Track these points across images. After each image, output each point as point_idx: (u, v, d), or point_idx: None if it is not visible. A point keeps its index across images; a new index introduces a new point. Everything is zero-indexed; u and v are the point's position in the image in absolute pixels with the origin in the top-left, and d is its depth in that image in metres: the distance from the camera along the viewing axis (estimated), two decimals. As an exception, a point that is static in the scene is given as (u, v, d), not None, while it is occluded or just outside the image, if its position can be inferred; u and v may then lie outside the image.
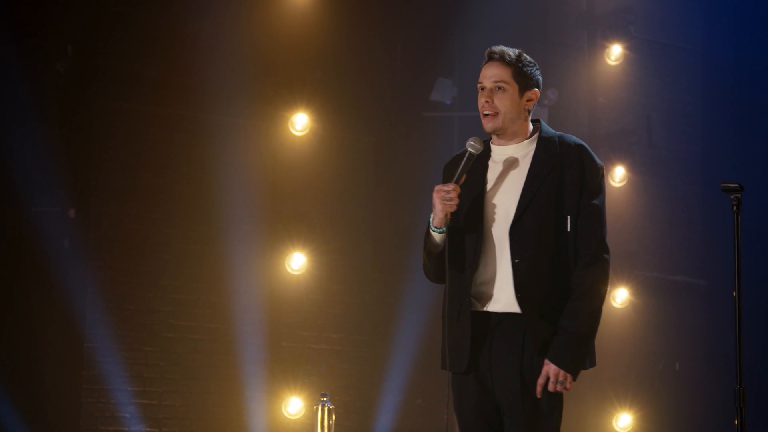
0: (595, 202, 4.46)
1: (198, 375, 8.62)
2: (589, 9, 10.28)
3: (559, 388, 4.36)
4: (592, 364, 4.55)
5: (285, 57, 8.93)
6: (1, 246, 7.95)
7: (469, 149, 4.42)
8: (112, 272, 8.42)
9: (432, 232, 4.45)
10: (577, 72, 10.22)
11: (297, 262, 8.89)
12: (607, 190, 9.91)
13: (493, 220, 4.45)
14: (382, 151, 9.41)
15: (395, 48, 9.46)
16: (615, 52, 10.19)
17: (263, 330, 8.78)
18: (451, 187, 4.36)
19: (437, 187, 4.39)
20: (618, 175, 10.04)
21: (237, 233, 8.71)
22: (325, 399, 7.24)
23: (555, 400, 4.43)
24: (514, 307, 4.38)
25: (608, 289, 4.53)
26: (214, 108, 8.70)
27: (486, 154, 4.55)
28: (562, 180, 4.44)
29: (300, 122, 8.94)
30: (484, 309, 4.43)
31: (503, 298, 4.40)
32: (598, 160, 4.52)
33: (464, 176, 4.43)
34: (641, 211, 10.23)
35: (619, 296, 9.91)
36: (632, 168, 10.12)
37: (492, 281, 4.43)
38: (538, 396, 4.36)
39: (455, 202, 4.36)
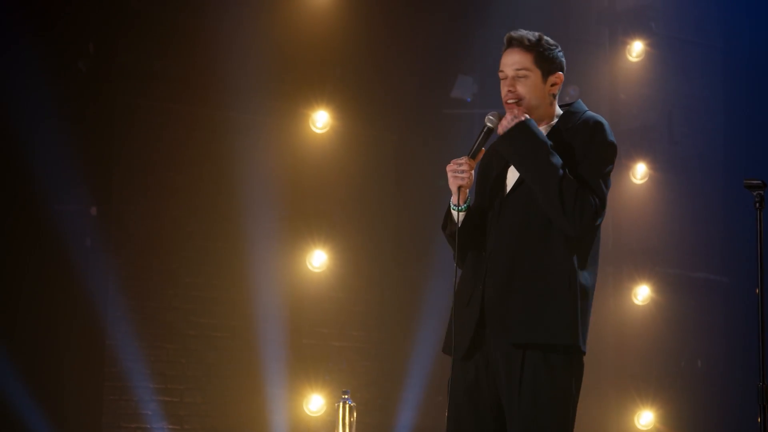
0: (595, 173, 4.30)
1: (219, 372, 8.63)
2: (611, 6, 10.25)
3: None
4: (582, 341, 4.33)
5: (305, 54, 8.93)
6: (24, 244, 7.97)
7: (488, 123, 4.36)
8: (134, 270, 8.44)
9: (452, 210, 4.40)
10: (598, 69, 10.20)
11: (318, 259, 8.90)
12: (628, 187, 10.03)
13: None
14: (402, 148, 9.41)
15: (416, 45, 9.45)
16: (636, 49, 10.16)
17: (284, 327, 8.79)
18: (463, 160, 4.31)
19: (452, 161, 4.34)
20: (639, 172, 10.02)
21: (258, 231, 8.71)
22: (346, 396, 7.24)
23: (559, 385, 4.27)
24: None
25: (585, 213, 4.23)
26: (235, 105, 8.71)
27: None
28: (563, 151, 4.31)
29: (321, 120, 8.94)
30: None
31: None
32: (612, 138, 4.40)
33: (482, 151, 4.37)
34: (662, 208, 10.20)
35: (641, 293, 9.89)
36: (653, 165, 10.10)
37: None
38: None
39: (467, 175, 4.30)
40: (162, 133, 8.64)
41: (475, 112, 9.57)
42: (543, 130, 4.41)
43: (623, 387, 9.79)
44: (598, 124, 4.40)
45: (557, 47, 4.46)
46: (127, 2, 8.47)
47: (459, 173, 4.30)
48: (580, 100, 4.55)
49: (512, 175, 4.40)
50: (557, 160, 4.24)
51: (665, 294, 10.01)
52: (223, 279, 8.67)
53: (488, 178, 4.49)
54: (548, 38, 4.46)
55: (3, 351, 7.66)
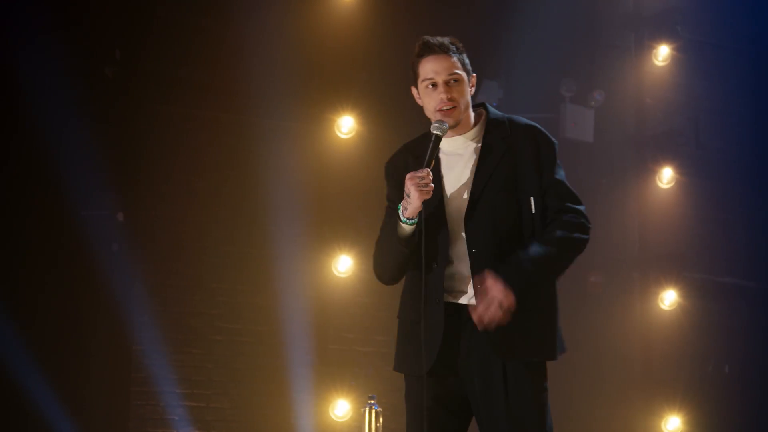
0: (558, 177, 4.34)
1: (245, 377, 8.64)
2: (636, 10, 10.23)
3: (492, 312, 4.16)
4: (561, 350, 4.37)
5: (331, 59, 8.94)
6: (51, 249, 8.01)
7: (436, 132, 4.29)
8: (160, 275, 8.46)
9: (402, 225, 4.31)
10: (624, 73, 10.17)
11: (343, 264, 8.90)
12: (655, 192, 10.00)
13: (453, 214, 4.33)
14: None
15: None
16: (662, 53, 10.13)
17: (310, 333, 8.79)
18: (425, 172, 4.21)
19: (410, 175, 4.23)
20: (666, 177, 9.99)
21: (283, 236, 8.72)
22: (372, 401, 7.23)
23: (538, 387, 4.29)
24: (473, 299, 4.26)
25: (575, 249, 4.30)
26: (260, 111, 8.72)
27: (432, 145, 4.38)
28: (517, 162, 4.31)
29: (346, 125, 8.95)
30: (456, 302, 4.30)
31: (471, 293, 4.28)
32: (553, 138, 4.42)
33: (433, 161, 4.30)
34: (689, 213, 10.17)
35: (668, 298, 9.86)
36: (680, 169, 10.06)
37: (457, 275, 4.31)
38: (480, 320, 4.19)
39: (431, 188, 4.22)
40: (187, 138, 8.66)
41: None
42: (469, 136, 4.41)
43: (650, 392, 9.75)
44: (537, 129, 4.42)
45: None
46: (153, 9, 8.50)
47: (424, 187, 4.21)
48: (487, 104, 4.52)
49: (454, 190, 4.36)
50: (538, 255, 4.21)
51: (692, 299, 9.97)
52: (249, 284, 8.68)
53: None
54: (458, 41, 4.45)
55: (31, 356, 7.69)
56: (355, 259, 8.91)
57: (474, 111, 4.48)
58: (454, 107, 4.34)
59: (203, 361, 8.56)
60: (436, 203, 4.32)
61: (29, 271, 7.91)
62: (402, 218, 4.31)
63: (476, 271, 4.25)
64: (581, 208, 4.35)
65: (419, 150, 4.44)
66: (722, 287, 10.34)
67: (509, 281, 4.16)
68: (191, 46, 8.60)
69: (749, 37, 10.75)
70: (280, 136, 8.86)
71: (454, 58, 4.37)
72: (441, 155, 4.41)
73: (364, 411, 7.22)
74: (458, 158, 4.40)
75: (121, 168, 8.32)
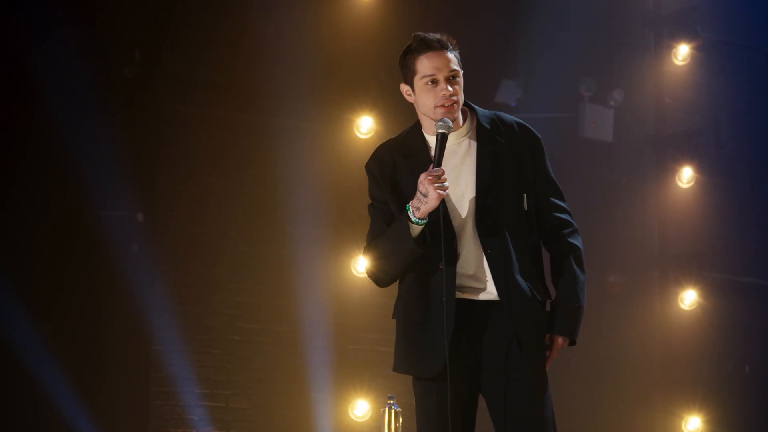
0: (549, 174, 4.44)
1: (265, 377, 8.65)
2: (656, 9, 10.20)
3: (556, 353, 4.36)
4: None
5: (349, 60, 8.94)
6: (71, 249, 8.04)
7: (441, 130, 4.26)
8: (180, 275, 8.48)
9: (413, 225, 4.26)
10: (643, 72, 10.15)
11: (362, 264, 8.90)
12: (675, 191, 9.98)
13: (458, 212, 4.33)
14: (446, 153, 9.38)
15: (459, 50, 9.43)
16: (682, 52, 10.10)
17: (329, 333, 8.79)
18: (441, 171, 4.18)
19: (425, 174, 4.18)
20: (686, 176, 9.96)
21: (303, 236, 8.73)
22: (392, 401, 7.23)
23: (545, 384, 4.35)
24: (494, 296, 4.30)
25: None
26: (279, 111, 8.73)
27: (423, 147, 4.42)
28: (510, 159, 4.35)
29: (365, 125, 8.95)
30: (469, 299, 4.32)
31: (482, 289, 4.31)
32: (538, 133, 4.47)
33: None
34: (709, 212, 10.14)
35: (688, 298, 9.83)
36: (700, 169, 10.04)
37: (467, 274, 4.32)
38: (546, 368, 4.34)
39: (447, 187, 4.20)
40: (206, 139, 8.67)
41: (519, 116, 9.54)
42: (459, 134, 4.41)
43: (670, 392, 9.73)
44: (525, 127, 4.48)
45: None
46: (173, 9, 8.52)
47: (441, 185, 4.18)
48: (471, 103, 4.52)
49: (453, 189, 4.34)
50: (574, 289, 4.36)
51: (712, 299, 9.94)
52: (268, 284, 8.69)
53: (408, 194, 4.36)
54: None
55: (51, 357, 7.72)
56: (374, 259, 8.90)
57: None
58: (455, 103, 4.35)
59: (222, 362, 8.57)
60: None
61: (49, 271, 7.94)
62: (413, 218, 4.27)
63: (494, 269, 4.28)
64: (567, 206, 4.47)
65: (408, 149, 4.46)
66: (742, 287, 10.31)
67: (569, 331, 4.35)
68: (210, 47, 8.61)
69: (767, 35, 10.72)
70: (299, 137, 8.87)
71: (451, 55, 4.40)
72: (432, 153, 4.36)
73: (384, 411, 7.22)
74: (452, 156, 4.37)
75: (140, 168, 8.34)
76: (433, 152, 4.33)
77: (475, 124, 4.44)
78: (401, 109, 9.04)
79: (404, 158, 4.46)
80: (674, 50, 10.12)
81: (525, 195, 4.34)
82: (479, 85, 9.55)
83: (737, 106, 10.58)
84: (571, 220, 4.44)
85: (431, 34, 4.40)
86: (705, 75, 10.35)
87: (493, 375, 4.33)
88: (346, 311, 8.90)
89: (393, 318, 4.59)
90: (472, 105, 4.52)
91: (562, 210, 4.43)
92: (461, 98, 4.40)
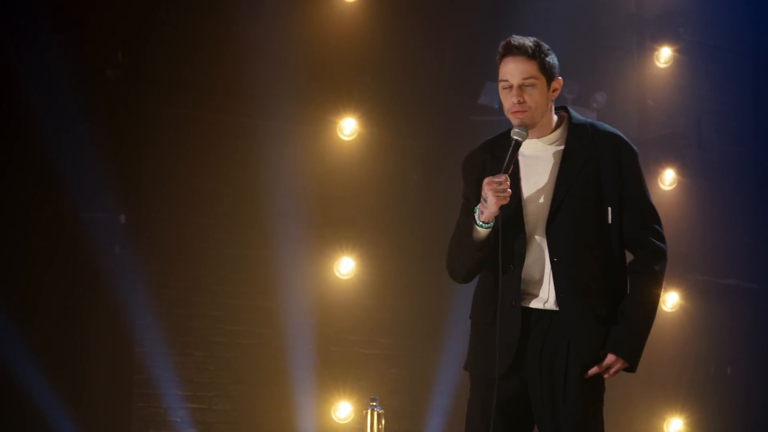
0: (639, 190, 4.38)
1: (247, 379, 8.64)
2: (638, 11, 10.23)
3: (613, 373, 4.30)
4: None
5: (333, 62, 8.94)
6: (53, 251, 8.01)
7: (516, 137, 4.30)
8: (162, 277, 8.47)
9: (478, 228, 4.32)
10: (626, 75, 10.17)
11: (346, 266, 8.90)
12: (657, 194, 9.99)
13: (531, 218, 4.35)
14: (430, 155, 9.40)
15: (443, 52, 9.45)
16: (664, 55, 10.13)
17: (312, 335, 8.79)
18: (503, 178, 4.22)
19: (488, 179, 4.23)
20: (668, 179, 9.98)
21: (286, 238, 8.72)
22: (374, 404, 7.24)
23: (595, 398, 4.32)
24: (554, 306, 4.30)
25: (663, 280, 4.43)
26: (263, 113, 8.72)
27: (511, 147, 4.39)
28: (599, 170, 4.33)
29: (348, 127, 8.95)
30: (530, 306, 4.33)
31: (544, 298, 4.31)
32: (634, 146, 4.43)
33: (511, 167, 4.31)
34: (691, 215, 10.16)
35: (670, 300, 9.85)
36: (682, 171, 10.06)
37: (531, 280, 4.33)
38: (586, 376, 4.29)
39: (508, 193, 4.23)
40: (190, 141, 8.66)
41: (503, 119, 9.54)
42: (549, 139, 4.42)
43: (652, 394, 9.74)
44: (619, 138, 4.43)
45: (552, 52, 4.43)
46: (156, 11, 8.51)
47: (501, 192, 4.22)
48: (569, 108, 4.52)
49: (533, 195, 4.37)
50: (635, 310, 4.32)
51: (694, 301, 9.97)
52: (251, 286, 8.68)
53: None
54: (543, 43, 4.42)
55: (33, 359, 7.70)
56: (357, 261, 8.91)
57: (556, 114, 4.48)
58: (526, 110, 4.33)
59: (205, 363, 8.56)
60: (514, 206, 4.34)
61: (31, 273, 7.92)
62: (478, 222, 4.32)
63: (557, 279, 4.29)
64: (658, 226, 4.41)
65: (498, 150, 4.45)
66: (725, 289, 10.34)
67: (621, 350, 4.29)
68: (194, 49, 8.60)
69: (750, 38, 10.75)
70: (283, 139, 8.87)
71: (532, 61, 4.34)
72: (520, 157, 4.40)
73: (366, 413, 7.23)
74: (538, 161, 4.41)
75: (124, 170, 8.32)
76: (521, 155, 4.39)
77: (566, 131, 4.43)
78: (384, 110, 9.12)
79: (493, 159, 4.48)
80: (657, 53, 10.14)
81: (609, 209, 4.32)
82: (462, 88, 9.58)
83: (720, 108, 10.61)
84: (653, 240, 4.37)
85: (518, 38, 4.38)
86: (687, 77, 10.38)
87: (540, 387, 4.32)
88: (329, 313, 8.90)
89: (469, 318, 4.56)
90: (570, 111, 4.50)
91: (645, 229, 4.37)
92: (536, 106, 4.35)
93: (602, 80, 9.74)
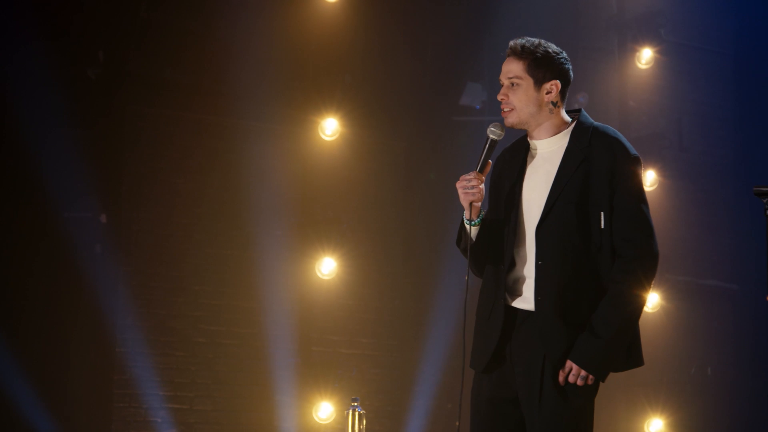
0: (632, 197, 4.33)
1: (229, 380, 8.64)
2: (620, 12, 10.24)
3: (579, 382, 4.23)
4: (637, 363, 4.41)
5: (315, 62, 8.94)
6: (34, 251, 7.99)
7: (491, 136, 4.37)
8: (144, 277, 8.45)
9: (465, 224, 4.40)
10: (608, 76, 10.19)
11: (327, 266, 8.90)
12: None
13: (526, 217, 4.38)
14: (412, 155, 9.41)
15: (425, 52, 9.46)
16: (645, 56, 10.15)
17: (294, 335, 8.79)
18: (472, 175, 4.31)
19: (460, 177, 4.34)
20: (649, 179, 10.01)
21: (267, 238, 8.72)
22: (355, 404, 7.24)
23: (579, 401, 4.29)
24: (533, 307, 4.31)
25: (648, 291, 4.32)
26: (244, 113, 8.72)
27: (525, 148, 4.48)
28: (591, 174, 4.32)
29: (330, 127, 8.95)
30: (514, 305, 4.36)
31: (528, 298, 4.33)
32: (633, 151, 4.39)
33: (489, 163, 4.39)
34: (672, 215, 10.18)
35: (651, 301, 9.87)
36: (663, 172, 10.08)
37: (521, 279, 4.37)
38: (561, 383, 4.25)
39: (478, 191, 4.31)
40: (171, 140, 8.65)
41: (484, 119, 9.57)
42: (552, 141, 4.44)
43: (633, 394, 9.77)
44: (616, 141, 4.40)
45: (559, 55, 4.42)
46: (137, 10, 8.49)
47: (470, 189, 4.31)
48: (583, 111, 4.53)
49: (531, 194, 4.40)
50: (603, 319, 4.24)
51: (675, 301, 9.99)
52: (233, 286, 8.68)
53: (501, 193, 4.49)
54: (550, 45, 4.43)
55: (13, 358, 7.68)
56: (338, 261, 8.91)
57: (570, 116, 4.49)
58: (511, 110, 4.40)
59: (186, 364, 8.55)
60: (514, 206, 4.40)
61: (11, 273, 7.90)
62: (464, 218, 4.40)
63: (539, 281, 4.29)
64: (647, 234, 4.33)
65: (516, 151, 4.53)
66: (705, 289, 10.37)
67: (582, 360, 4.23)
68: (175, 48, 8.58)
69: (731, 39, 10.77)
70: (265, 139, 8.86)
71: (520, 61, 4.39)
72: (528, 156, 4.46)
73: (348, 413, 7.22)
74: (542, 162, 4.43)
75: (105, 170, 8.30)
76: (530, 156, 4.46)
77: (569, 133, 4.44)
78: (366, 110, 9.12)
79: (511, 158, 4.53)
80: (638, 54, 10.16)
81: (602, 213, 4.30)
82: (444, 88, 9.59)
83: (701, 109, 10.63)
84: (638, 248, 4.29)
85: (518, 39, 4.44)
86: (669, 78, 10.40)
87: (522, 385, 4.34)
88: (311, 313, 8.90)
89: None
90: (582, 113, 4.51)
91: (630, 236, 4.30)
92: (520, 106, 4.40)
93: (583, 81, 9.75)
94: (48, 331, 7.99)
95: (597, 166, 4.33)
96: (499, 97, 4.42)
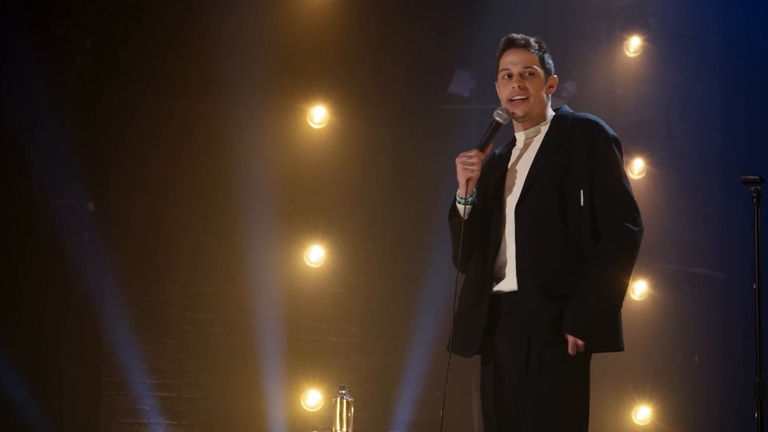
0: (611, 174, 4.40)
1: (217, 367, 8.64)
2: (608, 1, 10.24)
3: (571, 351, 4.26)
4: (617, 347, 4.38)
5: (303, 50, 8.93)
6: (22, 239, 7.98)
7: (497, 118, 4.44)
8: (131, 265, 8.44)
9: (457, 204, 4.45)
10: (596, 64, 10.19)
11: (315, 254, 8.90)
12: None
13: (507, 201, 4.45)
14: (400, 143, 9.40)
15: (413, 40, 9.45)
16: (634, 44, 10.15)
17: (282, 323, 8.79)
18: (473, 152, 4.38)
19: (461, 153, 4.40)
20: (637, 168, 10.02)
21: (255, 226, 8.71)
22: (343, 391, 7.25)
23: (568, 375, 4.30)
24: (515, 286, 4.35)
25: (632, 263, 4.37)
26: (233, 101, 8.71)
27: (512, 143, 4.60)
28: (570, 154, 4.40)
29: (318, 115, 8.95)
30: (498, 290, 4.41)
31: (512, 279, 4.37)
32: (611, 132, 4.48)
33: (490, 145, 4.46)
34: (660, 204, 10.20)
35: (638, 289, 9.89)
36: (651, 160, 10.10)
37: (505, 263, 4.42)
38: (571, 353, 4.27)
39: (477, 168, 4.36)
40: (159, 128, 8.64)
41: (472, 107, 9.58)
42: (536, 130, 4.54)
43: (620, 382, 9.79)
44: (594, 123, 4.49)
45: (549, 53, 4.59)
46: (125, -2, 8.48)
47: (469, 165, 4.36)
48: (565, 105, 4.63)
49: (512, 180, 4.47)
50: (588, 288, 4.26)
51: (663, 289, 10.01)
52: (221, 274, 8.67)
53: (488, 186, 4.55)
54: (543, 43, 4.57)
55: (0, 346, 7.66)
56: (327, 249, 8.91)
57: (554, 111, 4.60)
58: (525, 98, 4.47)
59: (174, 352, 8.54)
60: (497, 192, 4.48)
61: (-1, 261, 7.89)
62: (457, 197, 4.43)
63: (519, 258, 4.34)
64: (630, 209, 4.38)
65: (502, 149, 4.66)
66: (693, 278, 10.39)
67: (575, 329, 4.23)
68: (164, 36, 8.57)
69: (719, 29, 10.78)
70: (253, 127, 8.85)
71: (533, 54, 4.50)
72: (514, 149, 4.59)
73: (336, 401, 7.24)
74: (525, 148, 4.54)
75: (93, 158, 8.29)
76: (515, 148, 4.56)
77: (550, 121, 4.54)
78: (354, 99, 9.11)
79: (498, 156, 4.64)
80: (626, 42, 10.17)
81: (582, 191, 4.35)
82: (433, 76, 9.58)
83: (689, 98, 10.65)
84: (621, 223, 4.33)
85: (519, 34, 4.53)
86: (657, 67, 10.41)
87: (510, 368, 4.38)
88: (299, 301, 8.90)
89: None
90: (564, 106, 4.61)
91: (611, 209, 4.35)
92: (535, 95, 4.48)
93: (572, 69, 9.75)
94: (35, 319, 7.98)
95: (576, 147, 4.42)
96: (515, 85, 4.46)
